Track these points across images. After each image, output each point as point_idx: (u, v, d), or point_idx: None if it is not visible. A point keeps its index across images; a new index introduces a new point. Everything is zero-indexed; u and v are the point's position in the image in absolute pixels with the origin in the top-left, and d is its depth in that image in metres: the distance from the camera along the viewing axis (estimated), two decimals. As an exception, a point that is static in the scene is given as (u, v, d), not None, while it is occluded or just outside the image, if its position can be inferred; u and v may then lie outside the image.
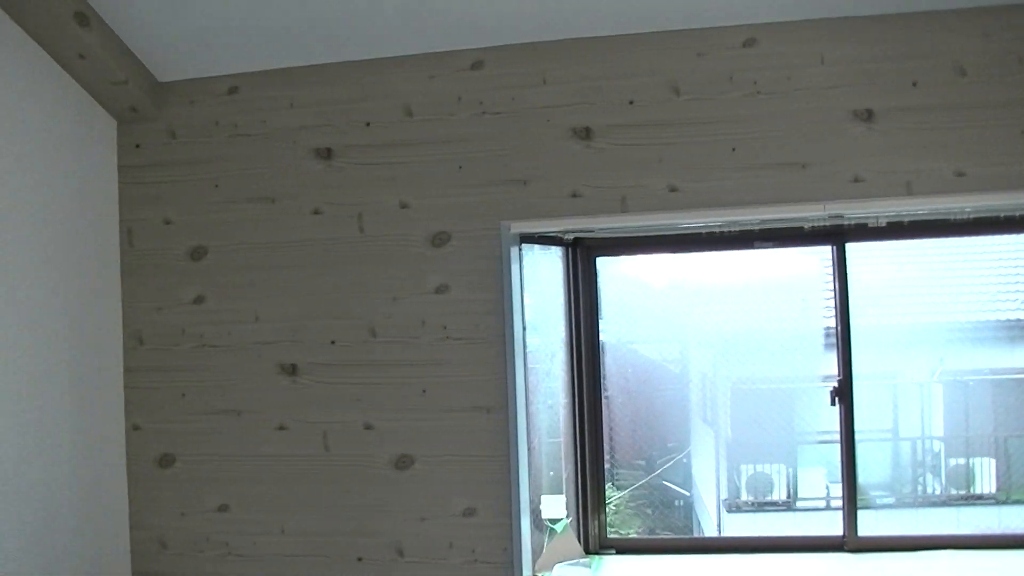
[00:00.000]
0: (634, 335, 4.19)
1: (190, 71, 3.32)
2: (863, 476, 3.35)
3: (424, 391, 3.16)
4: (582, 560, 3.21)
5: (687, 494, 4.81)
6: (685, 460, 4.78)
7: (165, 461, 3.37)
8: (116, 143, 3.41)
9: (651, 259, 3.82)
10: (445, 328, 3.15)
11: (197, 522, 3.34)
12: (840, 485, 3.24)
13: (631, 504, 4.58)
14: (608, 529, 3.39)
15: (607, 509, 3.42)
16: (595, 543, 3.33)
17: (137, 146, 3.41)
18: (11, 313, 2.84)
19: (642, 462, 4.64)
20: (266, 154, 3.29)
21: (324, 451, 3.23)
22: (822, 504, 4.61)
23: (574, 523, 3.29)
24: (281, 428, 3.26)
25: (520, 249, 3.16)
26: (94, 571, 3.17)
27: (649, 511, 4.64)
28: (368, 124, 3.22)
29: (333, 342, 3.22)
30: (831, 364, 3.24)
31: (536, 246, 3.24)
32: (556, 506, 3.24)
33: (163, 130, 3.39)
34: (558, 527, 3.22)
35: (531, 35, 3.11)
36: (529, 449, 3.17)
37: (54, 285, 3.04)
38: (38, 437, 2.94)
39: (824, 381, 3.44)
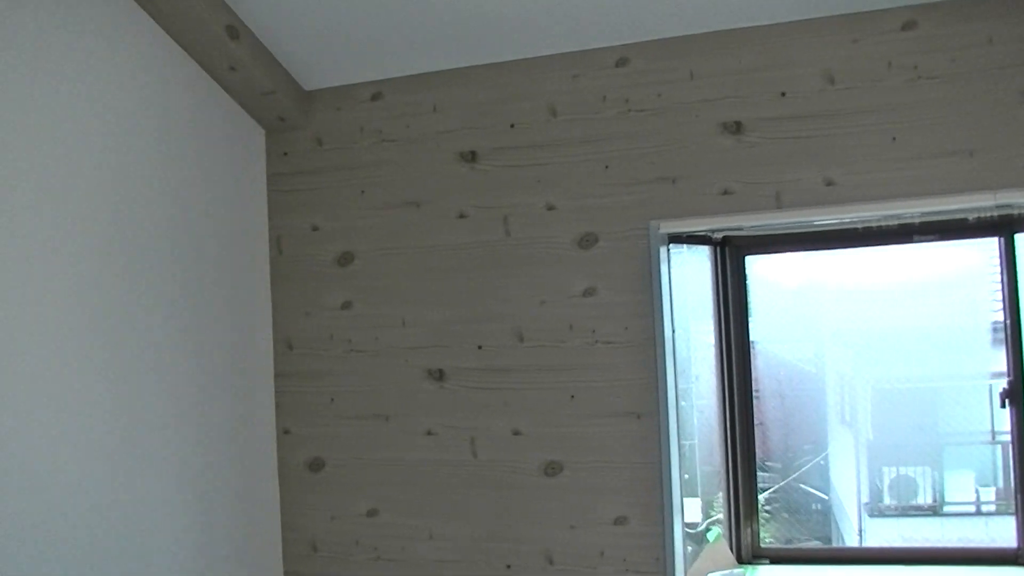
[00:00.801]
0: (767, 335, 4.06)
1: (335, 79, 3.36)
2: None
3: (572, 396, 3.11)
4: (735, 570, 3.11)
5: (825, 498, 4.64)
6: (823, 463, 4.62)
7: (315, 465, 3.40)
8: (265, 152, 3.47)
9: (783, 258, 3.67)
10: (593, 332, 3.09)
11: (347, 526, 3.36)
12: (993, 490, 3.03)
13: (767, 508, 4.45)
14: (762, 538, 3.27)
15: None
16: (748, 552, 3.22)
17: (285, 154, 3.46)
18: (169, 319, 2.90)
19: (777, 465, 4.50)
20: (411, 159, 3.29)
21: (472, 457, 3.21)
22: (971, 510, 4.38)
23: (725, 531, 3.19)
24: (429, 433, 3.26)
25: (668, 249, 3.07)
26: (248, 571, 3.23)
27: (785, 515, 4.50)
28: (512, 126, 3.19)
29: (480, 347, 3.20)
30: (995, 361, 3.05)
31: (684, 246, 3.15)
32: (691, 510, 3.14)
33: (310, 138, 3.43)
34: (710, 536, 3.13)
35: (677, 29, 3.02)
36: (681, 455, 3.08)
37: (209, 291, 3.10)
38: (195, 439, 3.00)
39: (992, 378, 3.25)
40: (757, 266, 3.59)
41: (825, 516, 4.73)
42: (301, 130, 3.44)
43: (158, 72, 2.91)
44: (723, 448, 3.23)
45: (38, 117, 2.46)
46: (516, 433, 3.16)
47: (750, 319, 3.28)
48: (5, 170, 2.35)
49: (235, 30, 2.98)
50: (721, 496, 3.22)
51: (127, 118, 2.78)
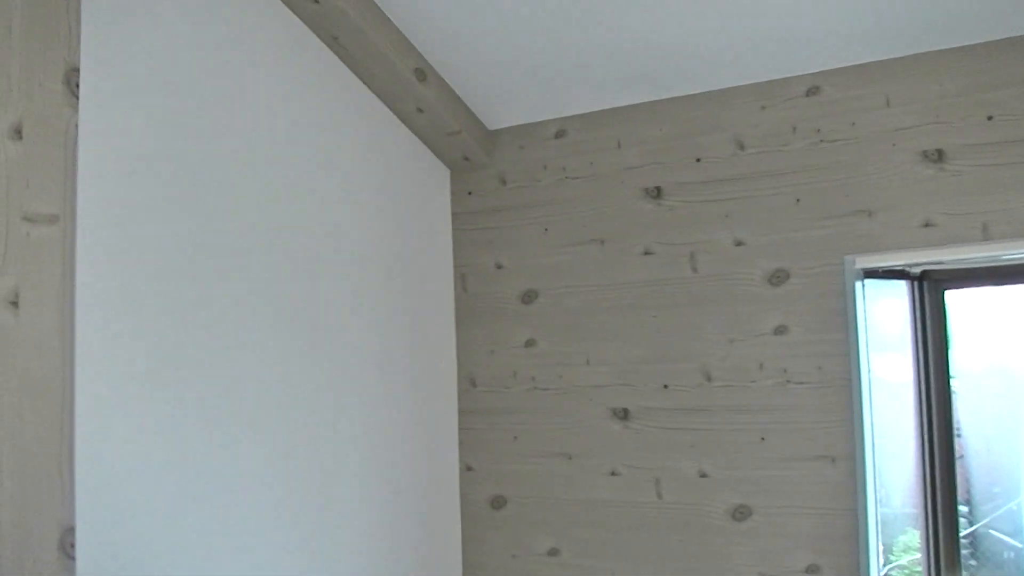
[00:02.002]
0: (966, 371, 3.80)
1: (519, 117, 3.39)
2: None
3: (763, 438, 2.99)
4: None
5: (1019, 546, 4.30)
6: (1016, 508, 4.28)
7: (497, 502, 3.40)
8: (450, 191, 3.54)
9: (985, 292, 3.44)
10: (785, 371, 2.97)
11: (528, 564, 3.33)
12: None
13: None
14: (968, 593, 3.05)
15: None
16: (949, 606, 3.00)
17: (469, 193, 3.51)
18: (356, 354, 2.97)
19: (964, 508, 4.21)
20: (595, 196, 3.28)
21: (657, 499, 3.13)
22: None
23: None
24: (613, 474, 3.20)
25: (864, 285, 2.93)
26: (433, 609, 3.25)
27: (973, 563, 4.19)
28: (698, 160, 3.13)
29: (666, 386, 3.13)
30: None
31: (879, 281, 3.00)
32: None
33: (494, 176, 3.47)
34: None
35: (871, 55, 2.89)
36: (877, 501, 2.91)
37: (395, 328, 3.16)
38: (380, 474, 3.05)
39: None
40: (957, 300, 3.38)
41: (1017, 565, 4.39)
42: (485, 169, 3.49)
43: (349, 114, 3.01)
44: (921, 492, 3.03)
45: (241, 154, 2.58)
46: (703, 475, 3.07)
47: (950, 355, 3.09)
48: (213, 199, 2.46)
49: (423, 73, 3.05)
50: (903, 540, 3.02)
51: (317, 160, 2.88)
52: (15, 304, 1.65)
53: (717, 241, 3.08)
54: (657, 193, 3.18)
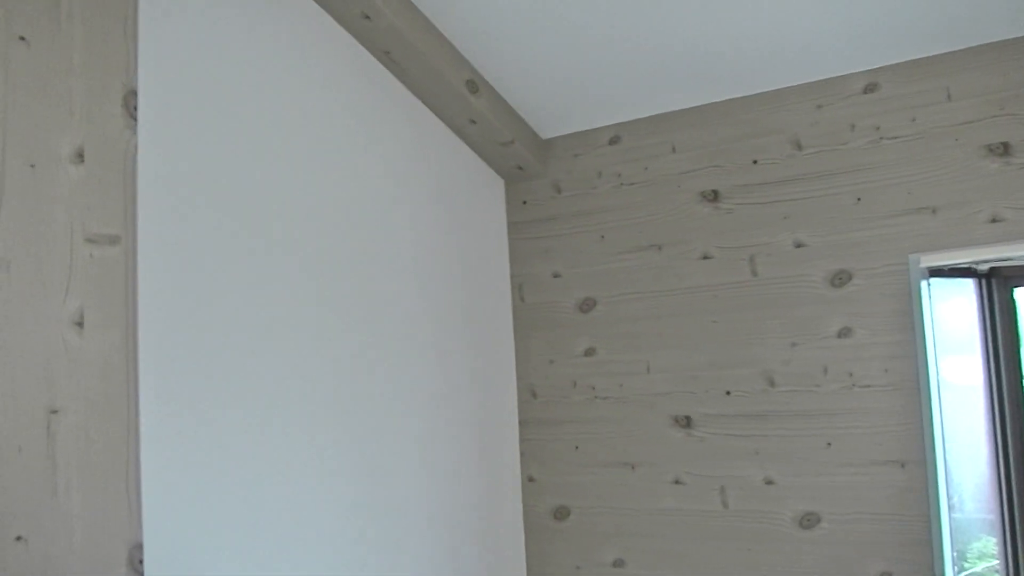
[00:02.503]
0: None
1: (572, 125, 3.38)
2: None
3: (829, 444, 2.93)
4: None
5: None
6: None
7: (560, 513, 3.38)
8: (505, 201, 3.54)
9: None
10: (850, 375, 2.91)
11: (593, 576, 3.31)
12: None
13: None
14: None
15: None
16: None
17: (524, 202, 3.51)
18: (414, 367, 2.98)
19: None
20: (651, 201, 3.25)
21: (722, 507, 3.08)
22: None
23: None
24: (677, 482, 3.16)
25: (929, 284, 2.86)
26: (498, 621, 3.23)
27: None
28: (755, 162, 3.09)
29: (728, 392, 3.08)
30: None
31: (945, 280, 2.92)
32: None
33: (548, 185, 3.46)
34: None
35: (929, 48, 2.83)
36: (950, 506, 2.83)
37: (454, 340, 3.16)
38: (442, 485, 3.05)
39: None
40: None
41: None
42: (539, 178, 3.48)
43: (402, 128, 3.03)
44: (996, 496, 2.94)
45: (296, 170, 2.60)
46: (769, 482, 3.01)
47: (1022, 355, 2.99)
48: (270, 215, 2.49)
49: (475, 84, 3.06)
50: (977, 546, 2.93)
51: (372, 174, 2.89)
52: (80, 324, 1.68)
53: (776, 243, 3.03)
54: (714, 196, 3.15)
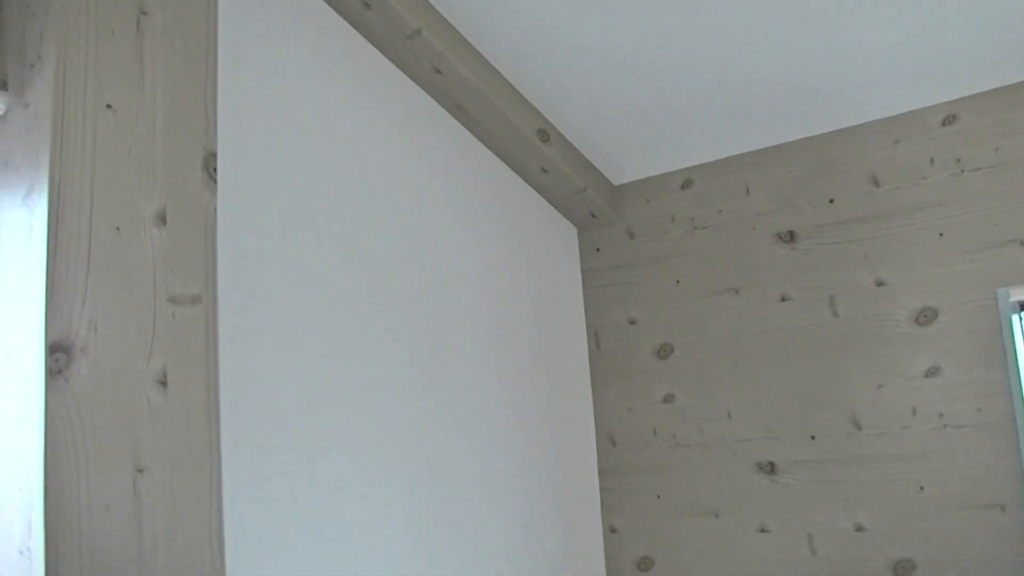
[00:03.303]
0: None
1: (644, 171, 3.37)
2: None
3: (922, 487, 2.83)
4: None
5: None
6: None
7: (644, 564, 3.31)
8: (578, 248, 3.53)
9: None
10: (941, 415, 2.81)
11: (681, 628, 3.23)
12: None
13: None
14: None
15: None
16: None
17: (597, 249, 3.50)
18: (490, 418, 2.96)
19: None
20: (726, 244, 3.22)
21: (811, 555, 2.99)
22: None
23: None
24: (762, 530, 3.08)
25: (1021, 319, 2.76)
26: (585, 677, 3.17)
27: None
28: (832, 201, 3.03)
29: (813, 437, 3.01)
30: None
31: (1037, 314, 2.83)
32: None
33: (621, 231, 3.45)
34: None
35: (1009, 77, 2.77)
36: (1055, 552, 2.70)
37: (530, 388, 3.14)
38: (521, 538, 3.01)
39: None
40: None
41: None
42: (612, 224, 3.47)
43: (474, 178, 3.05)
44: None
45: (371, 224, 2.63)
46: (859, 529, 2.92)
47: None
48: (346, 268, 2.51)
49: (546, 133, 3.07)
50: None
51: (445, 225, 2.91)
52: (164, 384, 1.71)
53: (857, 282, 2.96)
54: (790, 237, 3.10)
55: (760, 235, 3.15)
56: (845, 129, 3.03)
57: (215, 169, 1.85)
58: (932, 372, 2.83)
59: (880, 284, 2.93)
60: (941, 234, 2.85)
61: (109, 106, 1.73)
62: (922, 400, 2.84)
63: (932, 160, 2.88)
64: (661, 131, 3.14)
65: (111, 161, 1.71)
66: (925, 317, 2.85)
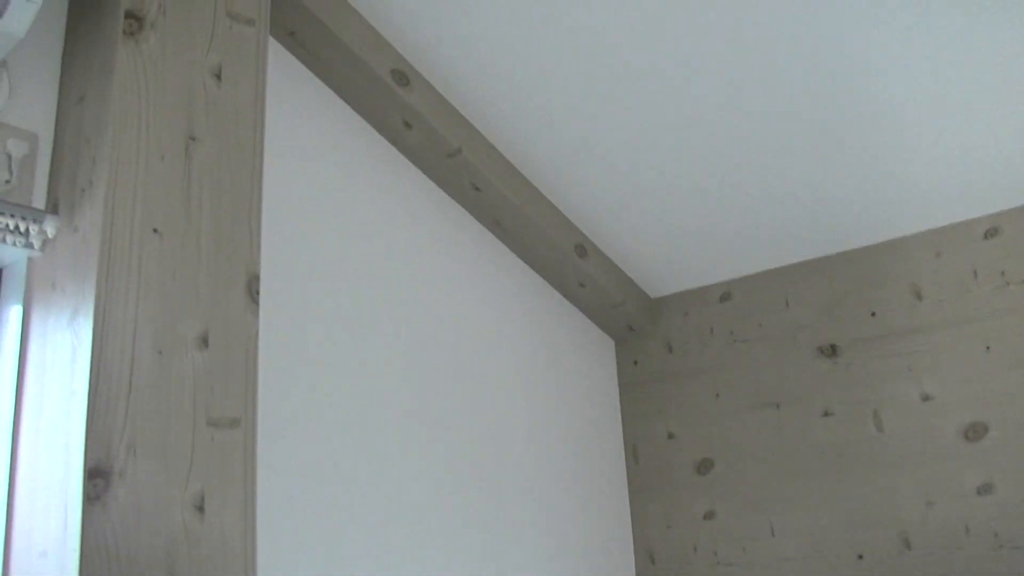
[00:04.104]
0: None
1: (681, 284, 3.36)
2: None
3: (978, 611, 2.71)
4: None
5: None
6: None
7: None
8: (615, 361, 3.50)
9: None
10: (996, 535, 2.71)
11: None
12: None
13: None
14: None
15: None
16: None
17: (635, 362, 3.46)
18: (525, 531, 2.90)
19: None
20: (766, 358, 3.17)
21: None
22: None
23: None
24: (811, 654, 2.96)
25: (1075, 435, 2.69)
26: None
27: None
28: (873, 314, 3.00)
29: (860, 556, 2.90)
30: None
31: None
32: None
33: (659, 344, 3.42)
34: None
35: (1052, 190, 2.75)
36: None
37: (566, 502, 3.08)
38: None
39: None
40: None
41: None
42: (650, 337, 3.44)
43: (510, 292, 3.06)
44: None
45: (410, 341, 2.63)
46: (914, 656, 2.79)
47: None
48: (384, 383, 2.50)
49: (583, 248, 3.08)
50: None
51: (482, 338, 2.91)
52: (201, 509, 1.68)
53: (902, 397, 2.90)
54: (832, 351, 3.05)
55: (801, 348, 3.11)
56: (886, 242, 3.01)
57: (258, 292, 1.86)
58: (984, 489, 2.74)
59: (926, 399, 2.87)
60: (988, 347, 2.79)
61: (156, 230, 1.75)
62: (975, 518, 2.75)
63: (975, 273, 2.85)
64: (699, 244, 3.14)
65: (156, 285, 1.73)
66: (975, 432, 2.78)
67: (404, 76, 2.55)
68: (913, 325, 2.92)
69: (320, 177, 2.49)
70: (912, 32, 2.31)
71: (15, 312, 1.91)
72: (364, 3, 2.45)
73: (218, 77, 1.93)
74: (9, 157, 1.87)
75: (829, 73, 2.46)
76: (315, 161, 2.49)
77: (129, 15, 1.82)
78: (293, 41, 2.46)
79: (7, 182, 1.87)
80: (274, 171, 2.29)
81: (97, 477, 1.57)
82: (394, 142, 2.71)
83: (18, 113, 1.91)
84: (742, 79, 2.52)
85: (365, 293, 2.52)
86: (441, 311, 2.77)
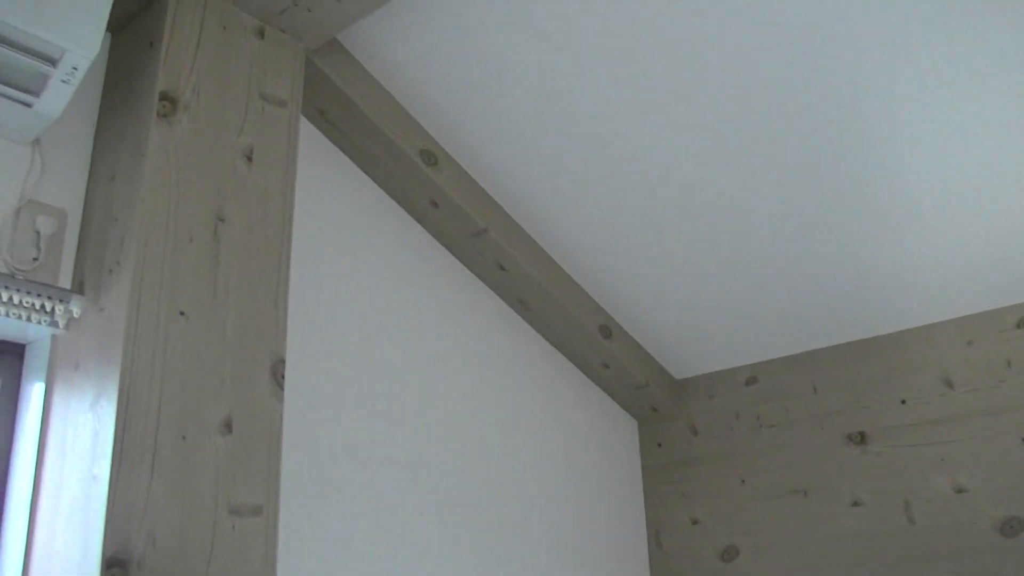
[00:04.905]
0: None
1: (707, 366, 3.31)
2: None
3: None
4: None
5: None
6: None
7: None
8: (638, 443, 3.44)
9: None
10: (1033, 636, 2.62)
11: None
12: None
13: None
14: None
15: None
16: None
17: (659, 445, 3.40)
18: (557, 627, 2.82)
19: None
20: (793, 444, 3.11)
21: None
22: None
23: None
24: None
25: (1115, 531, 2.60)
26: None
27: None
28: (903, 401, 2.94)
29: (893, 653, 2.81)
30: None
31: None
32: None
33: (684, 427, 3.36)
34: None
35: (1085, 280, 2.71)
36: None
37: (592, 594, 3.01)
38: None
39: None
40: None
41: None
42: (674, 419, 3.39)
43: (533, 371, 3.02)
44: None
45: (431, 419, 2.59)
46: None
47: None
48: (406, 468, 2.45)
49: (608, 329, 3.05)
50: None
51: (503, 417, 2.87)
52: (220, 600, 1.64)
53: (934, 488, 2.83)
54: (861, 439, 2.99)
55: (829, 435, 3.04)
56: (915, 329, 2.96)
57: (283, 376, 1.83)
58: (1021, 587, 2.66)
59: (960, 491, 2.79)
60: (1023, 439, 2.73)
61: (182, 313, 1.73)
62: (1011, 618, 2.66)
63: (1008, 362, 2.79)
64: (725, 326, 3.10)
65: (181, 368, 1.70)
66: (1011, 528, 2.70)
67: (432, 156, 2.55)
68: (945, 414, 2.86)
69: (346, 255, 2.48)
70: (942, 117, 2.30)
71: (37, 390, 1.89)
72: (394, 83, 2.46)
73: (249, 158, 1.93)
74: (38, 234, 1.87)
75: (859, 158, 2.45)
76: (341, 239, 2.48)
77: (164, 97, 1.83)
78: (323, 120, 2.47)
79: (35, 259, 1.86)
80: (300, 249, 2.28)
81: (115, 566, 1.53)
82: (421, 220, 2.70)
83: (48, 190, 1.91)
84: (769, 163, 2.51)
85: (389, 373, 2.49)
86: (465, 391, 2.73)
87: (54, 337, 1.88)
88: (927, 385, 2.91)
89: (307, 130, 2.46)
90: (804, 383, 3.13)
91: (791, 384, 3.16)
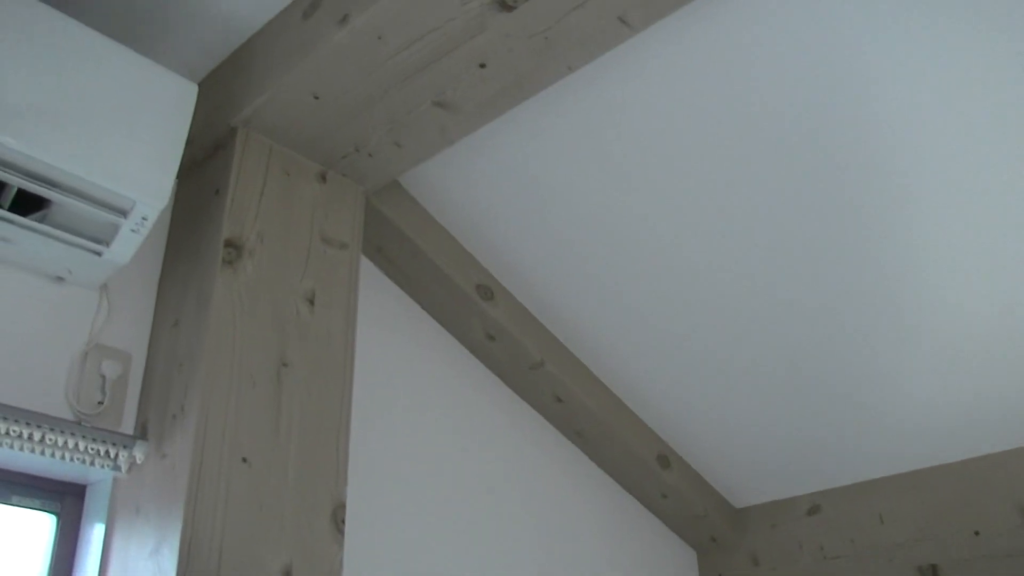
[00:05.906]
0: None
1: (768, 494, 3.23)
2: None
3: None
4: None
5: None
6: None
7: None
8: (697, 573, 3.34)
9: None
10: None
11: None
12: None
13: None
14: None
15: None
16: None
17: (720, 575, 3.30)
18: None
19: None
20: (861, 576, 3.00)
21: None
22: None
23: None
24: None
25: None
26: None
27: None
28: (977, 533, 2.82)
29: None
30: None
31: None
32: None
33: (745, 557, 3.26)
34: None
35: None
36: None
37: None
38: None
39: None
40: None
41: None
42: (735, 550, 3.29)
43: (591, 502, 2.97)
44: None
45: (490, 545, 2.54)
46: None
47: None
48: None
49: (666, 459, 3.01)
50: None
51: (563, 547, 2.80)
52: None
53: (1014, 626, 2.70)
54: (933, 572, 2.87)
55: (899, 568, 2.93)
56: (990, 455, 2.86)
57: (343, 521, 1.82)
58: None
59: (1039, 628, 2.66)
60: (1104, 574, 2.61)
61: (245, 459, 1.73)
62: None
63: (1085, 491, 2.70)
64: (786, 453, 3.03)
65: (242, 515, 1.69)
66: (1093, 667, 2.56)
67: (488, 290, 2.57)
68: (1020, 546, 2.74)
69: (404, 391, 2.48)
70: (982, 241, 2.27)
71: (98, 531, 1.89)
72: (450, 219, 2.50)
73: (311, 302, 1.96)
74: (103, 378, 1.90)
75: (922, 284, 2.42)
76: (399, 374, 2.49)
77: (229, 244, 1.87)
78: (381, 257, 2.50)
79: (100, 403, 1.88)
80: (358, 388, 2.29)
81: None
82: (476, 353, 2.71)
83: (114, 334, 1.94)
84: (825, 289, 2.49)
85: (448, 513, 2.46)
86: (524, 526, 2.69)
87: (115, 480, 1.89)
88: (1001, 515, 2.80)
89: (365, 267, 2.50)
90: (870, 513, 3.03)
91: (856, 514, 3.06)
